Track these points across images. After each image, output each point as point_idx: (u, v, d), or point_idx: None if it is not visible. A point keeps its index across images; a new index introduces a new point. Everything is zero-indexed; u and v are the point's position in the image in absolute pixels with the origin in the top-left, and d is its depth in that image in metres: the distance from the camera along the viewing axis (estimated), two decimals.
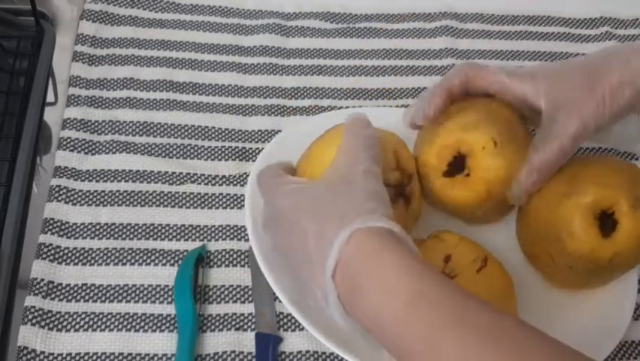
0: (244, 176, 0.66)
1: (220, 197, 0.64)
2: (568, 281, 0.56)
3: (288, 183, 0.50)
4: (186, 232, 0.62)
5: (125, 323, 0.56)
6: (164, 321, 0.57)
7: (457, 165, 0.55)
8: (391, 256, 0.42)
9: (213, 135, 0.69)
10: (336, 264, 0.43)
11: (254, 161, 0.65)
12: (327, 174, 0.49)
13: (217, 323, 0.57)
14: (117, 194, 0.63)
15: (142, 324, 0.56)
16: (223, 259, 0.61)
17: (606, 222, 0.52)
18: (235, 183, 0.66)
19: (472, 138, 0.54)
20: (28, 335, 0.54)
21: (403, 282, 0.41)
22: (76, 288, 0.58)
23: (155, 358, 0.55)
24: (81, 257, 0.59)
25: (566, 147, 0.52)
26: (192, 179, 0.65)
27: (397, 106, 0.73)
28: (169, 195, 0.64)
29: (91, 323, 0.56)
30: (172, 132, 0.69)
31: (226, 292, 0.59)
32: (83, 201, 0.63)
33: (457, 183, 0.55)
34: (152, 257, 0.60)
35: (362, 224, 0.43)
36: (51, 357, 0.54)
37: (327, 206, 0.46)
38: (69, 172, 0.64)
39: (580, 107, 0.52)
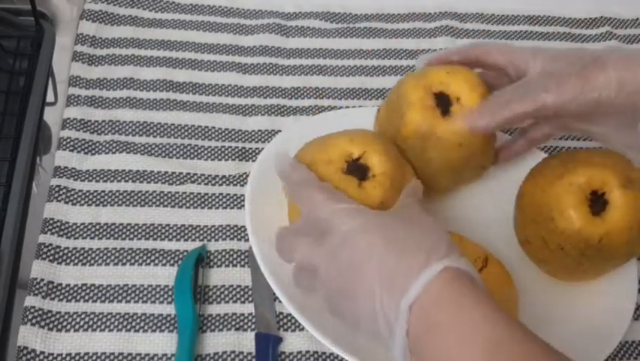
0: (244, 176, 0.66)
1: (220, 197, 0.64)
2: (561, 266, 0.56)
3: (345, 202, 0.48)
4: (186, 232, 0.62)
5: (125, 323, 0.56)
6: (164, 321, 0.57)
7: (444, 103, 0.56)
8: (471, 302, 0.42)
9: (213, 135, 0.69)
10: (415, 298, 0.42)
11: (254, 161, 0.65)
12: (396, 209, 0.49)
13: (217, 323, 0.57)
14: (117, 194, 0.63)
15: (142, 324, 0.56)
16: (223, 259, 0.61)
17: (597, 202, 0.53)
18: (235, 183, 0.65)
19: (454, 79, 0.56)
20: (28, 335, 0.54)
21: (480, 331, 0.40)
22: (76, 288, 0.58)
23: (155, 358, 0.55)
24: (81, 257, 0.59)
25: (534, 106, 0.52)
26: (192, 179, 0.65)
27: None
28: (169, 195, 0.64)
29: (91, 323, 0.56)
30: (172, 132, 0.69)
31: (226, 292, 0.59)
32: (82, 201, 0.63)
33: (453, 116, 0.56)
34: (152, 257, 0.60)
35: (452, 263, 0.43)
36: (51, 357, 0.54)
37: (406, 237, 0.45)
38: (69, 172, 0.64)
39: (563, 78, 0.51)
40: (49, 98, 0.70)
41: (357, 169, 0.52)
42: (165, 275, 0.59)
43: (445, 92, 0.56)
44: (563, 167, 0.54)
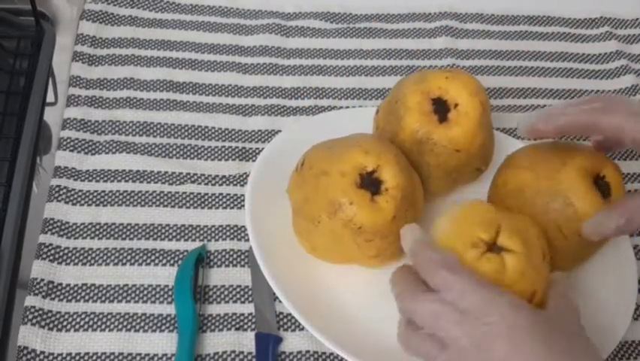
0: (244, 176, 0.66)
1: (220, 197, 0.64)
2: (569, 254, 0.56)
3: (498, 291, 0.45)
4: (186, 232, 0.62)
5: (125, 323, 0.56)
6: (164, 321, 0.57)
7: (441, 109, 0.57)
8: None
9: (213, 135, 0.69)
10: None
11: (254, 161, 0.65)
12: (551, 310, 0.47)
13: (217, 323, 0.57)
14: (117, 194, 0.63)
15: (142, 324, 0.56)
16: (223, 259, 0.61)
17: (602, 185, 0.54)
18: (235, 183, 0.66)
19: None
20: (28, 335, 0.54)
21: None
22: (76, 288, 0.58)
23: (155, 358, 0.55)
24: (81, 257, 0.59)
25: None
26: (192, 179, 0.65)
27: None
28: (169, 195, 0.64)
29: (91, 323, 0.56)
30: (172, 132, 0.69)
31: (226, 292, 0.59)
32: (82, 201, 0.63)
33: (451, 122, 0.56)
34: (152, 257, 0.60)
35: None
36: (51, 357, 0.54)
37: (570, 351, 0.43)
38: (69, 172, 0.64)
39: None
40: (50, 98, 0.70)
41: (371, 183, 0.53)
42: (165, 275, 0.59)
43: (443, 97, 0.56)
44: (561, 155, 0.54)
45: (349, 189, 0.52)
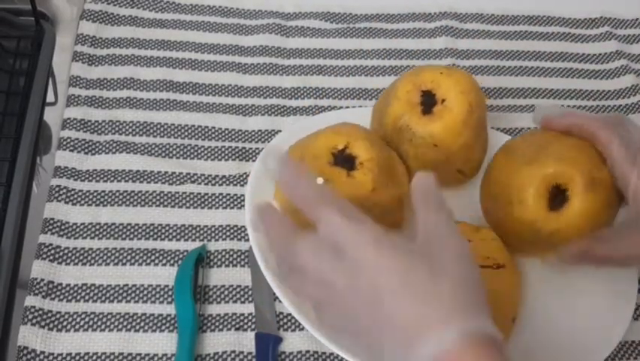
0: (244, 176, 0.66)
1: (220, 197, 0.64)
2: (515, 236, 0.56)
3: (365, 223, 0.43)
4: (186, 232, 0.62)
5: (125, 323, 0.56)
6: (164, 321, 0.57)
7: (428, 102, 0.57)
8: None
9: (213, 135, 0.69)
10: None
11: (254, 161, 0.65)
12: (428, 232, 0.43)
13: (217, 323, 0.57)
14: (117, 194, 0.63)
15: (142, 324, 0.56)
16: (223, 259, 0.61)
17: (557, 197, 0.53)
18: (235, 183, 0.66)
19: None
20: (28, 335, 0.54)
21: None
22: (76, 288, 0.58)
23: (155, 358, 0.55)
24: (81, 257, 0.59)
25: (620, 261, 0.53)
26: (192, 179, 0.65)
27: None
28: (169, 195, 0.64)
29: (91, 323, 0.56)
30: (172, 132, 0.69)
31: (226, 292, 0.59)
32: (82, 201, 0.63)
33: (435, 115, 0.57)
34: (152, 257, 0.60)
35: (477, 327, 0.39)
36: (51, 357, 0.54)
37: (429, 283, 0.40)
38: (69, 172, 0.64)
39: None
40: (50, 98, 0.70)
41: (345, 160, 0.53)
42: (165, 275, 0.59)
43: (433, 91, 0.57)
44: (535, 154, 0.54)
45: (324, 168, 0.53)
